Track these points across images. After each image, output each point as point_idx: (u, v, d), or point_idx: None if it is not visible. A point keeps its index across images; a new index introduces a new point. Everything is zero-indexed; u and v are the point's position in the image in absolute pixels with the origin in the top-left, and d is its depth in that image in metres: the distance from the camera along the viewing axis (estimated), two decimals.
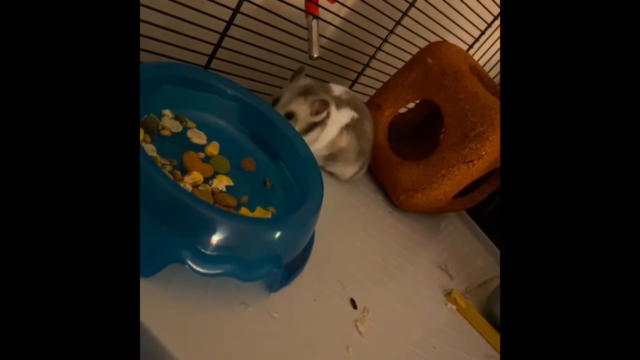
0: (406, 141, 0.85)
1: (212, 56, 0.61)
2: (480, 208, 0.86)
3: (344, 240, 0.57)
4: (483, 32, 0.91)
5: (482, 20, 0.88)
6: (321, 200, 0.45)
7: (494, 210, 0.91)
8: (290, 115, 0.57)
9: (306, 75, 0.61)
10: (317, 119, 0.59)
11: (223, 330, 0.36)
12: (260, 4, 0.58)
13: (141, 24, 0.49)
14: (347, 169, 0.67)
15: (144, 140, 0.41)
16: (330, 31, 0.76)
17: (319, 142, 0.61)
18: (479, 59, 0.93)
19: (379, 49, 0.80)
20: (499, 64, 0.96)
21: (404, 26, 0.78)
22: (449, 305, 0.60)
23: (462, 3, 0.82)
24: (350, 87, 0.85)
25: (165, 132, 0.44)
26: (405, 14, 0.76)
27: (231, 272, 0.36)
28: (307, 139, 0.57)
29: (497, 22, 0.89)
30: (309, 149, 0.52)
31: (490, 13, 0.88)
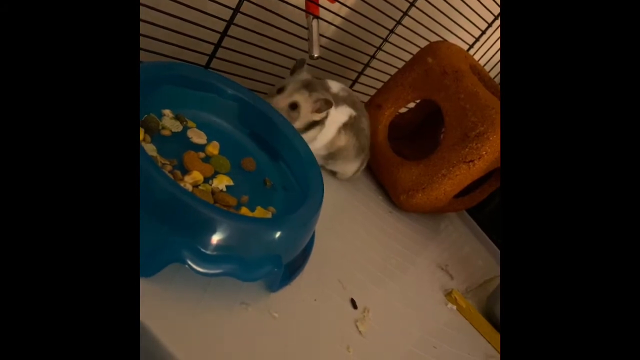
0: (406, 141, 0.85)
1: (212, 56, 0.61)
2: (481, 208, 0.86)
3: (344, 240, 0.57)
4: (483, 32, 0.91)
5: (482, 20, 0.88)
6: (321, 200, 0.45)
7: (494, 210, 0.91)
8: (294, 106, 0.56)
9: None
10: (316, 117, 0.58)
11: (223, 330, 0.36)
12: (261, 4, 0.58)
13: (141, 23, 0.48)
14: (348, 167, 0.67)
15: (144, 140, 0.41)
16: (330, 31, 0.76)
17: (318, 142, 0.61)
18: (480, 59, 0.93)
19: (379, 48, 0.80)
20: (499, 63, 0.96)
21: (404, 26, 0.78)
22: (450, 305, 0.60)
23: (462, 3, 0.82)
24: (351, 86, 0.85)
25: (166, 132, 0.44)
26: (405, 13, 0.76)
27: (231, 272, 0.36)
28: (306, 137, 0.57)
29: (498, 21, 0.89)
30: (309, 148, 0.51)
31: (491, 13, 0.88)
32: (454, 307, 0.60)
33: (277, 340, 0.38)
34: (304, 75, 0.59)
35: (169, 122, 0.45)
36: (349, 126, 0.63)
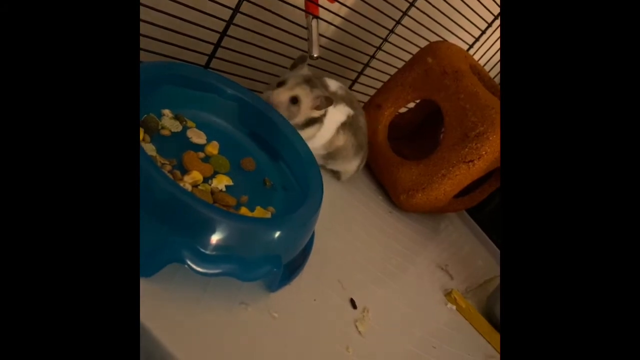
0: (406, 141, 0.84)
1: (212, 56, 0.61)
2: (481, 208, 0.86)
3: (344, 240, 0.57)
4: (483, 32, 0.91)
5: (482, 20, 0.88)
6: (321, 200, 0.45)
7: (494, 210, 0.91)
8: (295, 100, 0.55)
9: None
10: (315, 114, 0.58)
11: (223, 330, 0.36)
12: (260, 4, 0.58)
13: (141, 23, 0.48)
14: (348, 166, 0.67)
15: (143, 139, 0.41)
16: (330, 31, 0.76)
17: (316, 141, 0.60)
18: (480, 59, 0.93)
19: (379, 48, 0.80)
20: (499, 63, 0.96)
21: (404, 26, 0.78)
22: (449, 305, 0.60)
23: (462, 3, 0.82)
24: (351, 86, 0.85)
25: (165, 132, 0.44)
26: (405, 13, 0.76)
27: (231, 272, 0.36)
28: (304, 134, 0.56)
29: (498, 21, 0.89)
30: (309, 148, 0.51)
31: (491, 13, 0.88)
32: (454, 307, 0.60)
33: (277, 340, 0.38)
34: (305, 70, 0.58)
35: (169, 122, 0.45)
36: (347, 126, 0.63)
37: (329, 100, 0.57)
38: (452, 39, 0.84)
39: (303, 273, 0.45)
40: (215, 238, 0.34)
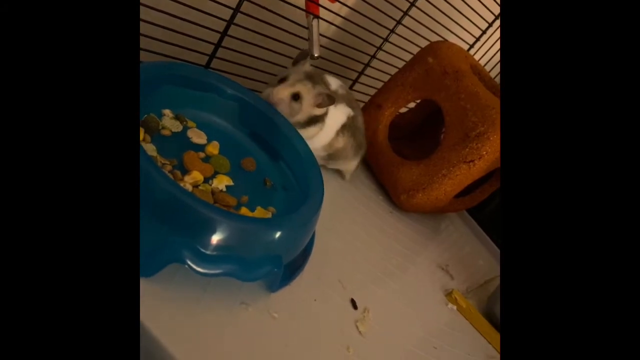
0: (407, 141, 0.84)
1: (212, 56, 0.61)
2: (481, 208, 0.86)
3: (344, 240, 0.57)
4: (484, 32, 0.90)
5: (483, 20, 0.88)
6: (321, 200, 0.45)
7: (494, 210, 0.91)
8: (296, 96, 0.54)
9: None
10: (317, 111, 0.57)
11: (223, 330, 0.36)
12: (261, 4, 0.58)
13: (141, 23, 0.48)
14: (349, 165, 0.68)
15: (144, 139, 0.41)
16: (331, 31, 0.76)
17: (317, 141, 0.60)
18: (480, 59, 0.93)
19: (379, 48, 0.80)
20: (500, 63, 0.95)
21: (404, 26, 0.78)
22: (450, 305, 0.60)
23: (463, 2, 0.82)
24: (351, 86, 0.85)
25: (165, 132, 0.44)
26: (406, 13, 0.76)
27: (231, 272, 0.35)
28: (306, 132, 0.56)
29: (498, 21, 0.89)
30: (309, 148, 0.51)
31: (491, 12, 0.88)
32: (455, 307, 0.60)
33: (277, 340, 0.38)
34: (307, 66, 0.58)
35: (169, 122, 0.45)
36: (346, 128, 0.62)
37: (331, 98, 0.56)
38: (453, 39, 0.84)
39: (303, 273, 0.45)
40: (215, 238, 0.34)
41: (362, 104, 0.78)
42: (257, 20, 0.59)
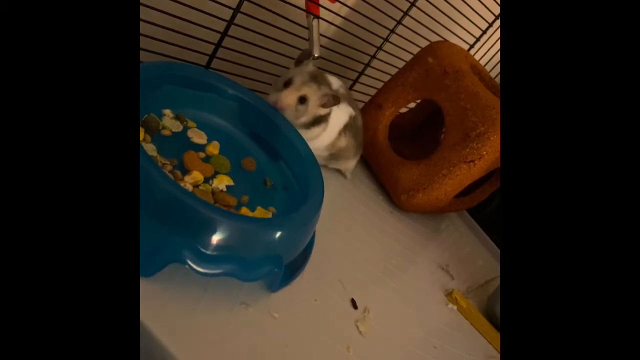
0: (407, 141, 0.84)
1: (212, 56, 0.61)
2: (482, 208, 0.86)
3: (344, 240, 0.57)
4: (484, 32, 0.90)
5: (483, 20, 0.88)
6: (322, 200, 0.45)
7: (495, 210, 0.91)
8: (303, 100, 0.54)
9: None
10: (322, 111, 0.57)
11: (223, 330, 0.36)
12: (261, 4, 0.58)
13: (141, 23, 0.48)
14: (349, 164, 0.69)
15: (144, 139, 0.41)
16: (331, 31, 0.76)
17: (320, 141, 0.60)
18: (480, 59, 0.93)
19: (379, 48, 0.80)
20: (500, 63, 0.95)
21: (405, 26, 0.78)
22: (450, 305, 0.60)
23: (463, 2, 0.82)
24: (351, 86, 0.85)
25: (166, 132, 0.44)
26: (406, 13, 0.76)
27: (231, 272, 0.35)
28: (309, 133, 0.56)
29: (499, 21, 0.89)
30: (309, 148, 0.51)
31: (492, 12, 0.88)
32: (455, 307, 0.60)
33: (277, 340, 0.38)
34: (310, 67, 0.57)
35: (169, 122, 0.45)
36: (349, 127, 0.63)
37: (336, 98, 0.56)
38: (453, 39, 0.84)
39: (304, 273, 0.45)
40: (215, 238, 0.34)
41: (362, 104, 0.78)
42: (257, 20, 0.59)
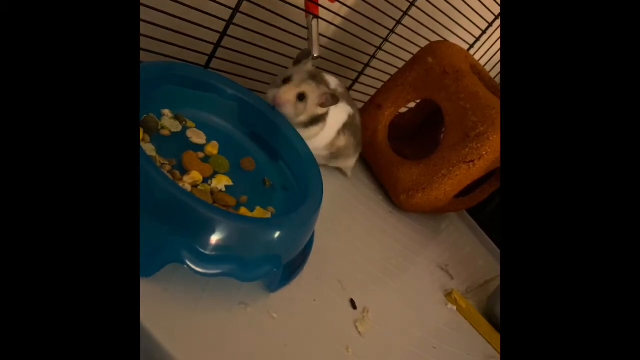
0: (407, 141, 0.84)
1: (212, 56, 0.61)
2: (481, 208, 0.86)
3: (344, 240, 0.57)
4: (484, 32, 0.90)
5: (483, 20, 0.88)
6: (321, 200, 0.45)
7: (494, 210, 0.91)
8: (302, 97, 0.54)
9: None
10: (320, 111, 0.57)
11: (222, 330, 0.36)
12: (260, 4, 0.58)
13: (141, 23, 0.48)
14: (349, 162, 0.69)
15: (143, 139, 0.41)
16: (330, 31, 0.76)
17: (319, 141, 0.60)
18: (480, 59, 0.93)
19: (379, 48, 0.80)
20: (500, 63, 0.95)
21: (404, 25, 0.78)
22: (450, 305, 0.60)
23: (463, 2, 0.82)
24: (351, 86, 0.85)
25: (165, 132, 0.44)
26: (406, 13, 0.76)
27: (230, 272, 0.35)
28: (307, 132, 0.56)
29: (498, 21, 0.89)
30: (309, 148, 0.51)
31: (492, 12, 0.88)
32: (454, 307, 0.60)
33: (276, 340, 0.38)
34: (309, 66, 0.57)
35: (169, 122, 0.45)
36: (347, 126, 0.63)
37: (335, 97, 0.56)
38: (453, 39, 0.84)
39: (303, 273, 0.45)
40: (214, 238, 0.34)
41: (361, 104, 0.78)
42: (256, 20, 0.59)
